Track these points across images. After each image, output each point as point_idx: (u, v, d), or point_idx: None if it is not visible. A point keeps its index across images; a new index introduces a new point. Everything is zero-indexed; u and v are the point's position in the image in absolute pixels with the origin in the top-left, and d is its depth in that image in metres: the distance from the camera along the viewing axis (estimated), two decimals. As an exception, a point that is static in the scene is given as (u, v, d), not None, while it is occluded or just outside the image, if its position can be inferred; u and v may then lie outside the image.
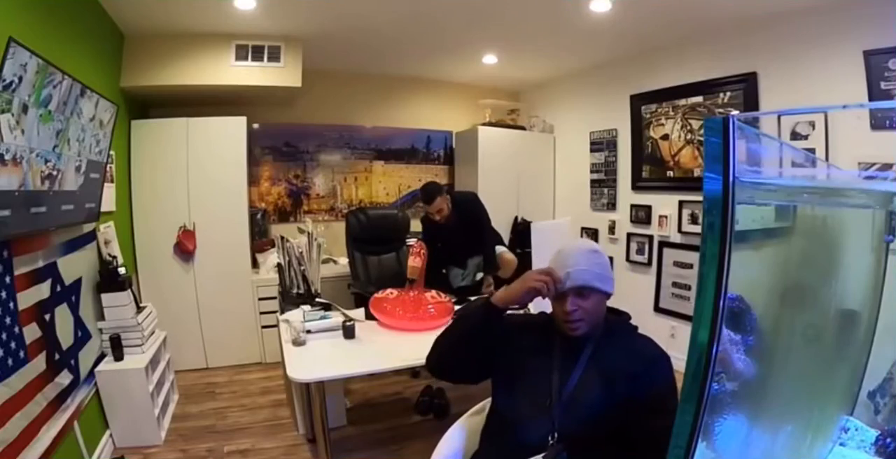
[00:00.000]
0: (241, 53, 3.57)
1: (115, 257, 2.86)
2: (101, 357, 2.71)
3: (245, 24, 3.37)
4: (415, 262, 2.90)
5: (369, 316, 2.77)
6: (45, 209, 2.01)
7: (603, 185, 4.55)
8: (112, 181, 3.13)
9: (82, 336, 2.51)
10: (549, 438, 1.30)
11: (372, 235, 3.82)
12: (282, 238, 3.12)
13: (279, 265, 3.16)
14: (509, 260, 3.42)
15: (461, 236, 3.32)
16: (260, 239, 4.26)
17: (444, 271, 3.44)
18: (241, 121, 3.84)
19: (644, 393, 1.25)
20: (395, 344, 2.44)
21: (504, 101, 5.30)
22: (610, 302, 1.47)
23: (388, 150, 5.10)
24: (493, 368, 1.49)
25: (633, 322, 1.54)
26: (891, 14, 2.56)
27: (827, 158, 2.82)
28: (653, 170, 4.06)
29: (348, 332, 2.47)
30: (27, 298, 1.97)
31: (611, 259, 4.80)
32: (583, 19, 3.27)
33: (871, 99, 2.67)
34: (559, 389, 1.34)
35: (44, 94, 1.89)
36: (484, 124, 4.91)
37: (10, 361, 1.79)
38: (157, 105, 3.96)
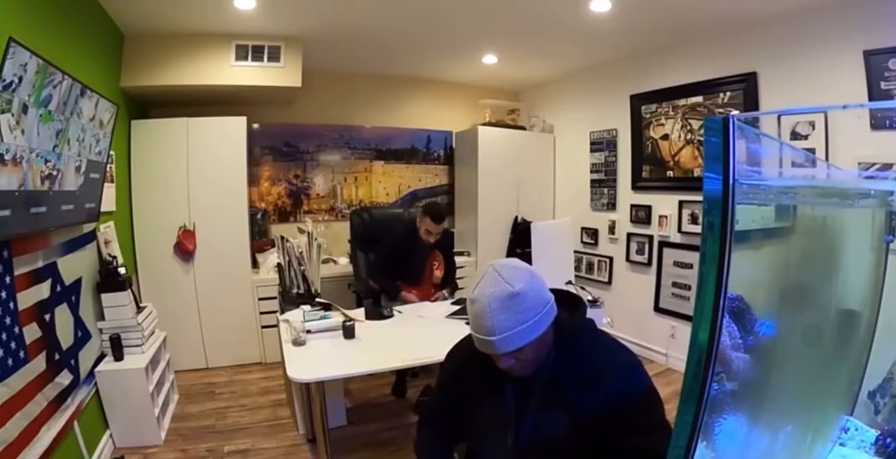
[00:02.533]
0: (241, 53, 3.57)
1: (115, 257, 2.86)
2: (101, 357, 2.72)
3: (245, 24, 3.36)
4: (439, 272, 3.38)
5: (369, 316, 2.78)
6: (45, 209, 2.01)
7: (603, 185, 4.55)
8: (112, 181, 3.13)
9: (82, 336, 2.51)
10: None
11: (375, 235, 3.79)
12: (282, 238, 3.12)
13: (279, 265, 3.17)
14: None
15: (425, 259, 3.32)
16: (260, 240, 4.26)
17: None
18: (240, 121, 3.84)
19: (614, 417, 1.16)
20: (396, 344, 2.44)
21: (504, 101, 5.29)
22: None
23: (387, 150, 5.09)
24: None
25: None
26: (891, 14, 2.56)
27: (827, 158, 2.82)
28: (653, 169, 4.06)
29: (348, 332, 2.47)
30: (27, 298, 1.97)
31: (610, 259, 4.80)
32: (583, 19, 3.27)
33: (871, 99, 2.66)
34: (515, 433, 1.24)
35: (44, 94, 1.89)
36: (484, 124, 4.91)
37: (10, 361, 1.80)
38: (157, 105, 3.96)
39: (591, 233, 4.67)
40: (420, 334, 2.59)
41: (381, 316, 2.83)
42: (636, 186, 4.22)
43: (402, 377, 3.40)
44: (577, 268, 4.70)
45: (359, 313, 2.82)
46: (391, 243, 3.32)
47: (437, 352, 2.28)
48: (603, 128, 4.51)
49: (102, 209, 2.74)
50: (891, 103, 2.69)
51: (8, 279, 1.84)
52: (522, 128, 5.14)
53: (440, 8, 3.14)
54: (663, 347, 3.97)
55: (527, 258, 3.26)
